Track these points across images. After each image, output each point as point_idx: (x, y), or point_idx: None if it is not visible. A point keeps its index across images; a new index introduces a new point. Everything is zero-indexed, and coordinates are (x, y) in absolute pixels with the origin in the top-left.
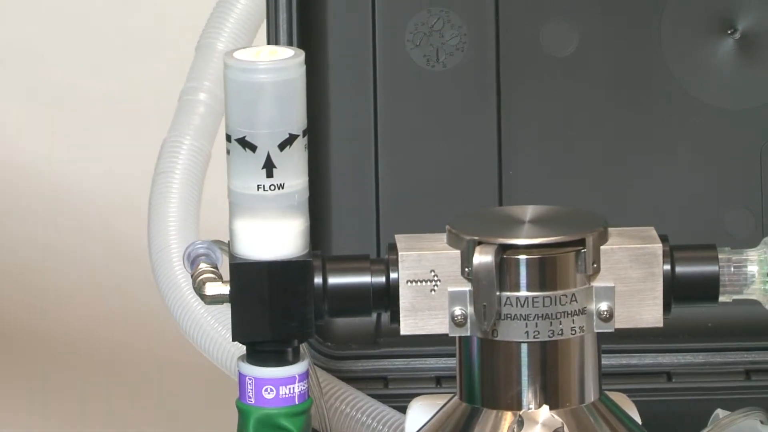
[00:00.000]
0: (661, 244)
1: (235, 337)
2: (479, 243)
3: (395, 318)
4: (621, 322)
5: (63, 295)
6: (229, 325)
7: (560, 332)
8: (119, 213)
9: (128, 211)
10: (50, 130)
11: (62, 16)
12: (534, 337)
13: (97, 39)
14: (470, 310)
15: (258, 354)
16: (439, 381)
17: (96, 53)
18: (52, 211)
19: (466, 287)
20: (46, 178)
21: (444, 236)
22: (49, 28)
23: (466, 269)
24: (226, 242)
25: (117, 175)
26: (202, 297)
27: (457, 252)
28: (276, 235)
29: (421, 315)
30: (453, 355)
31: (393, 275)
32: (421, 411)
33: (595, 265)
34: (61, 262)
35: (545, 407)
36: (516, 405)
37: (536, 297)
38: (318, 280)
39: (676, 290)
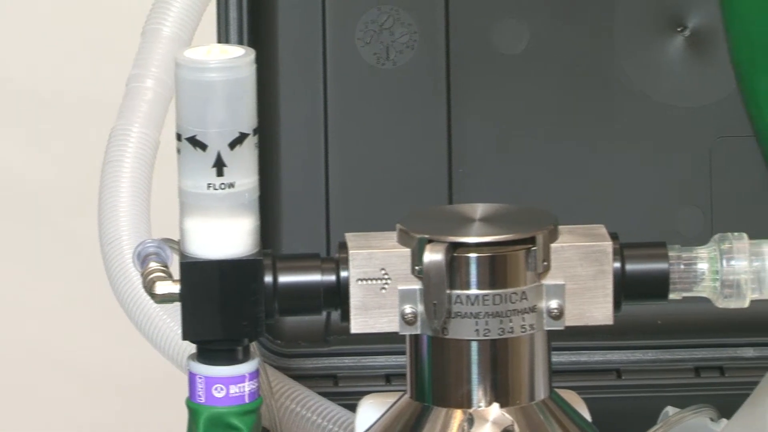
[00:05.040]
0: (611, 242)
1: (186, 336)
2: (429, 241)
3: (345, 316)
4: (571, 319)
5: (16, 292)
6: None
7: (510, 330)
8: (71, 208)
9: (81, 206)
10: (6, 130)
11: (26, 16)
12: (484, 335)
13: (59, 38)
14: (420, 308)
15: (208, 353)
16: (389, 379)
17: (56, 53)
18: (4, 208)
19: (417, 285)
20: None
21: (394, 235)
22: (12, 28)
23: (417, 267)
24: (177, 241)
25: (67, 170)
26: (153, 296)
27: (408, 250)
28: (226, 234)
29: (372, 313)
30: (403, 353)
31: (343, 274)
32: (371, 409)
33: (545, 263)
34: (13, 259)
35: (495, 405)
36: (466, 403)
37: (486, 295)
38: (268, 278)
39: (626, 288)
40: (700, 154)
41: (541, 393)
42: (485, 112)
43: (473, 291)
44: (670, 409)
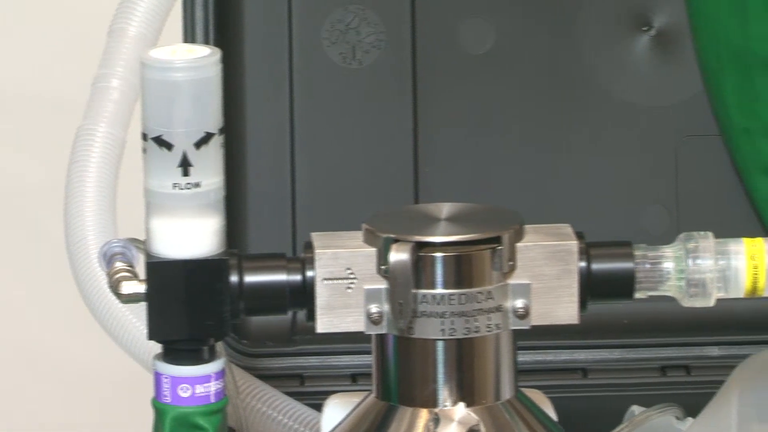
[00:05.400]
0: (576, 241)
1: (152, 336)
2: (395, 241)
3: (311, 316)
4: (537, 319)
5: None
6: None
7: (476, 330)
8: (43, 207)
9: (51, 205)
10: None
11: (18, 18)
12: (450, 335)
13: (33, 38)
14: (386, 307)
15: (174, 352)
16: (355, 378)
17: (28, 52)
18: None
19: (383, 285)
20: None
21: (360, 234)
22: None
23: (383, 267)
24: (143, 240)
25: (37, 169)
26: (118, 296)
27: (374, 250)
28: (192, 234)
29: (338, 313)
30: (369, 353)
31: (309, 273)
32: (337, 409)
33: (510, 263)
34: None
35: (461, 405)
36: (432, 402)
37: (452, 294)
38: (234, 278)
39: (591, 287)
40: (666, 153)
41: (506, 392)
42: (451, 111)
43: (439, 290)
44: (635, 409)
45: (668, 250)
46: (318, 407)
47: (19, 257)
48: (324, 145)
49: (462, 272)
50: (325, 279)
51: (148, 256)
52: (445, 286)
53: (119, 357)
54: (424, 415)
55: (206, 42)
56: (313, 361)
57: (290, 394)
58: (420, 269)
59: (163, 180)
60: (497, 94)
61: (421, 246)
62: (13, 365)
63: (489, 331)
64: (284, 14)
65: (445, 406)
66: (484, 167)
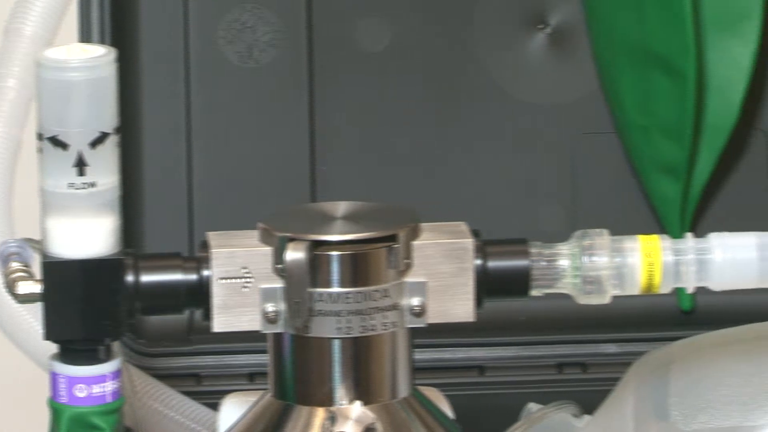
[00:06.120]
0: (472, 239)
1: (47, 336)
2: (291, 239)
3: (207, 315)
4: (433, 316)
5: None
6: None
7: (372, 328)
8: None
9: None
10: None
11: None
12: (346, 333)
13: None
14: (282, 306)
15: (70, 352)
16: (252, 377)
17: None
18: None
19: (279, 284)
20: None
21: (257, 233)
22: None
23: (278, 266)
24: (39, 240)
25: None
26: (14, 296)
27: (269, 249)
28: (88, 234)
29: (234, 312)
30: (266, 352)
31: (205, 273)
32: (233, 408)
33: (407, 261)
34: None
35: (357, 403)
36: (328, 401)
37: (348, 293)
38: (130, 278)
39: (487, 284)
40: (563, 151)
41: (403, 390)
42: (348, 110)
43: (335, 289)
44: (532, 406)
45: (564, 248)
46: (215, 406)
47: None
48: (221, 144)
49: (358, 271)
50: (221, 278)
51: (44, 255)
52: (341, 284)
53: (16, 357)
54: (320, 413)
55: (102, 42)
56: (210, 360)
57: (187, 394)
58: (316, 268)
59: (58, 180)
60: (394, 93)
61: (316, 245)
62: None
63: (385, 329)
64: (180, 13)
65: (342, 404)
66: (380, 165)
